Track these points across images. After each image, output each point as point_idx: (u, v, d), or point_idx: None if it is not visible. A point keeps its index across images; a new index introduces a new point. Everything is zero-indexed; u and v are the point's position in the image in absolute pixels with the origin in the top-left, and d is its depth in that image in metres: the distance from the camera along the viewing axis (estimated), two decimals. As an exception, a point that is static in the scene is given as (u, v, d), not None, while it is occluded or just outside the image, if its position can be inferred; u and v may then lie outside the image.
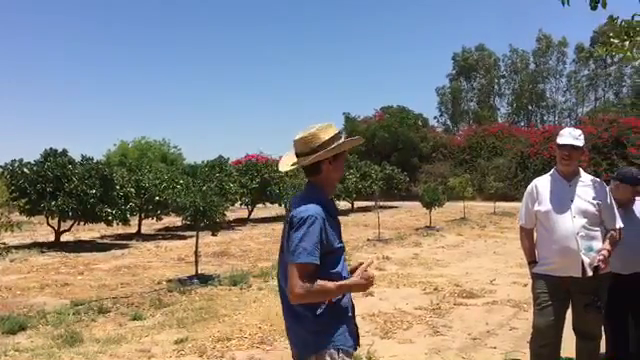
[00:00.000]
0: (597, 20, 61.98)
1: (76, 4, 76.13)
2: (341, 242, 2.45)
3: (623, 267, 4.13)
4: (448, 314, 6.85)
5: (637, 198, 4.42)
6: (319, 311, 2.33)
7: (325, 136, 2.39)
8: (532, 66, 52.55)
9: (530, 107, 53.39)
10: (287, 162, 2.54)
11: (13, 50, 72.13)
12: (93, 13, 76.60)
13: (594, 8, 3.95)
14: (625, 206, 4.29)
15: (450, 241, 14.48)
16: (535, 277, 4.01)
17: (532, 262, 4.05)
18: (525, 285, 7.88)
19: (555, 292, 3.83)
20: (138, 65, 77.75)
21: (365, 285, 2.39)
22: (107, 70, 75.87)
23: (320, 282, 2.24)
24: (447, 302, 7.46)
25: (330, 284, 2.27)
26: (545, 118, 53.56)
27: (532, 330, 3.99)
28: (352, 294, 2.53)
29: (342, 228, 2.51)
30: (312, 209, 2.29)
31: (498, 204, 22.89)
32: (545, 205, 3.91)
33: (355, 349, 2.48)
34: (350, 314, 2.47)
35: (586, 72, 50.98)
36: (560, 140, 3.92)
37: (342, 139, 2.42)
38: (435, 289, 8.27)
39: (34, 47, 73.26)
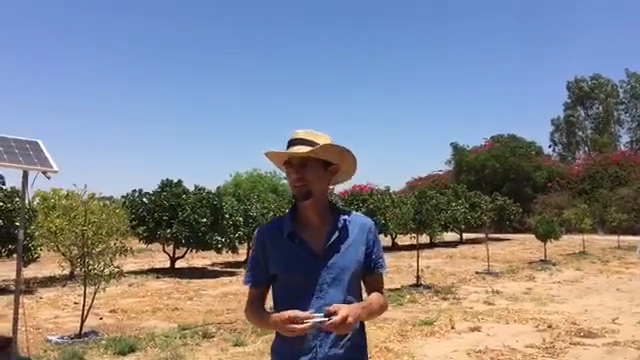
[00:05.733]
0: None
1: (192, 41, 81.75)
2: (292, 270, 1.96)
3: None
4: (563, 354, 6.32)
5: None
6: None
7: None
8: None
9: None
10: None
11: (137, 94, 78.46)
12: (213, 57, 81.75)
13: None
14: None
15: (567, 276, 13.53)
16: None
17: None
18: (653, 326, 7.14)
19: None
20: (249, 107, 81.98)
21: (280, 328, 1.81)
22: (224, 114, 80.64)
23: (251, 307, 2.06)
24: (562, 341, 6.90)
25: (260, 310, 2.02)
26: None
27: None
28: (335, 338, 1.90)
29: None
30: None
31: (622, 238, 21.28)
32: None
33: None
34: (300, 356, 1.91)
35: None
36: None
37: (285, 149, 2.09)
38: (549, 326, 7.69)
39: (153, 90, 79.41)
